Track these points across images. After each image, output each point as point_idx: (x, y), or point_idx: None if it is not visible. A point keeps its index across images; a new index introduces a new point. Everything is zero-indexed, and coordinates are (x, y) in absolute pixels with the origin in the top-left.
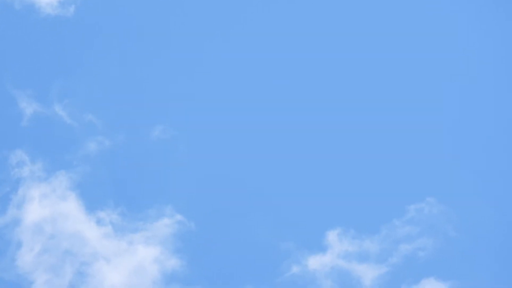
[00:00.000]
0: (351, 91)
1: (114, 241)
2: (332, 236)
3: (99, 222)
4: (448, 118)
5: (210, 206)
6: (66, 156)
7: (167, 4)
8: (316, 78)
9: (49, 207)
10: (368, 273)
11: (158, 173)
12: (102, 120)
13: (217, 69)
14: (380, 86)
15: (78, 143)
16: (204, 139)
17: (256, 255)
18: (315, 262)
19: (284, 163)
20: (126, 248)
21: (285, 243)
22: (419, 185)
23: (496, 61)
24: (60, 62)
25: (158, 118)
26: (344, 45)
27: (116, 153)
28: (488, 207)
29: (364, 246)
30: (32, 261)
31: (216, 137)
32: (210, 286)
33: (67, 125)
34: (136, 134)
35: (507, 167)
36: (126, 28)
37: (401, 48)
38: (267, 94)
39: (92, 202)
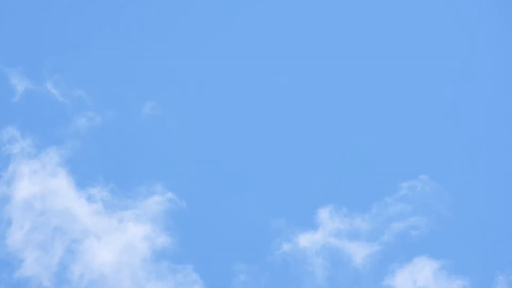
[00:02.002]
0: (343, 73)
1: (104, 218)
2: (323, 213)
3: (89, 199)
4: (443, 96)
5: (201, 184)
6: (56, 132)
7: None
8: (310, 59)
9: (39, 183)
10: (359, 251)
11: (149, 150)
12: (92, 96)
13: (209, 46)
14: (373, 67)
15: (68, 119)
16: (195, 116)
17: (247, 233)
18: (306, 240)
19: (276, 141)
20: (116, 225)
21: (276, 221)
22: (412, 163)
23: (490, 46)
24: (51, 39)
25: (148, 95)
26: (341, 29)
27: (107, 129)
28: (481, 186)
29: (356, 223)
30: (22, 239)
31: (207, 114)
32: (200, 264)
33: (57, 101)
34: (126, 110)
35: (501, 147)
36: (117, 5)
37: (397, 34)
38: (259, 72)
39: (82, 178)
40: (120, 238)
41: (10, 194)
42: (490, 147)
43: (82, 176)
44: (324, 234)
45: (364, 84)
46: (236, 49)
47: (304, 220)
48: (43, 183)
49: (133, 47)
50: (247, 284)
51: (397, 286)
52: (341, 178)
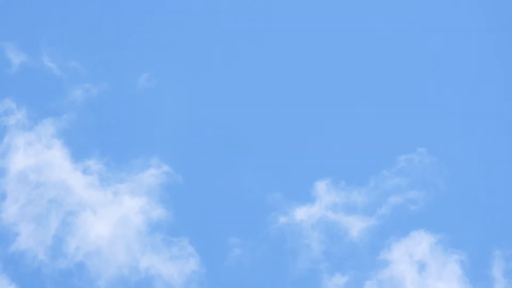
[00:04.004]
0: (342, 47)
1: (100, 191)
2: (320, 187)
3: (85, 171)
4: (442, 69)
5: (197, 157)
6: (52, 104)
7: None
8: (309, 31)
9: (35, 155)
10: (356, 224)
11: (145, 123)
12: (87, 68)
13: (205, 17)
14: (372, 41)
15: (64, 91)
16: (191, 89)
17: (243, 206)
18: (303, 213)
19: (273, 113)
20: (112, 198)
21: (272, 194)
22: (410, 136)
23: (490, 22)
24: (46, 11)
25: (144, 66)
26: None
27: (102, 101)
28: (479, 160)
29: (353, 197)
30: (17, 212)
31: (203, 86)
32: (195, 237)
33: (53, 73)
34: (121, 82)
35: (499, 120)
36: None
37: (396, 10)
38: (255, 41)
39: (78, 150)
40: (116, 211)
41: (5, 167)
42: (488, 120)
43: (78, 148)
44: (321, 208)
45: (362, 57)
46: (232, 18)
47: (300, 194)
48: (39, 155)
49: (128, 18)
50: (243, 257)
51: (393, 260)
52: (338, 151)
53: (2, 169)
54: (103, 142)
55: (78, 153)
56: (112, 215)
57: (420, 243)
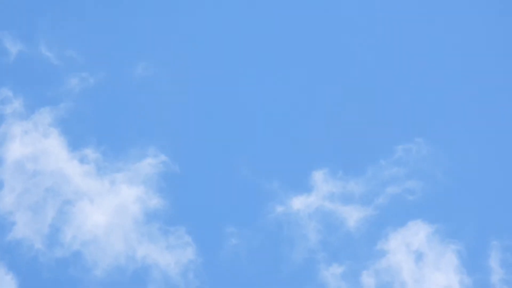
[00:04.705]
0: (340, 37)
1: (97, 180)
2: (317, 176)
3: (82, 160)
4: (440, 58)
5: (194, 146)
6: (49, 93)
7: None
8: (308, 24)
9: (31, 144)
10: (353, 214)
11: (142, 112)
12: (85, 57)
13: (202, 6)
14: (372, 30)
15: (61, 80)
16: (188, 78)
17: (240, 196)
18: (300, 203)
19: (270, 102)
20: (109, 187)
21: (269, 184)
22: (408, 125)
23: (491, 11)
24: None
25: (141, 55)
26: None
27: (100, 90)
28: (477, 150)
29: (350, 187)
30: (13, 201)
31: (200, 75)
32: (192, 227)
33: (50, 62)
34: (119, 71)
35: (498, 110)
36: None
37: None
38: (254, 28)
39: (75, 139)
40: (113, 200)
41: (1, 156)
42: (486, 110)
43: (75, 137)
44: (318, 197)
45: (359, 49)
46: (230, 9)
47: (298, 183)
48: (35, 144)
49: (125, 7)
50: (240, 247)
51: (390, 250)
52: (335, 141)
53: None
54: (100, 131)
55: (75, 142)
56: (109, 204)
57: (417, 233)
